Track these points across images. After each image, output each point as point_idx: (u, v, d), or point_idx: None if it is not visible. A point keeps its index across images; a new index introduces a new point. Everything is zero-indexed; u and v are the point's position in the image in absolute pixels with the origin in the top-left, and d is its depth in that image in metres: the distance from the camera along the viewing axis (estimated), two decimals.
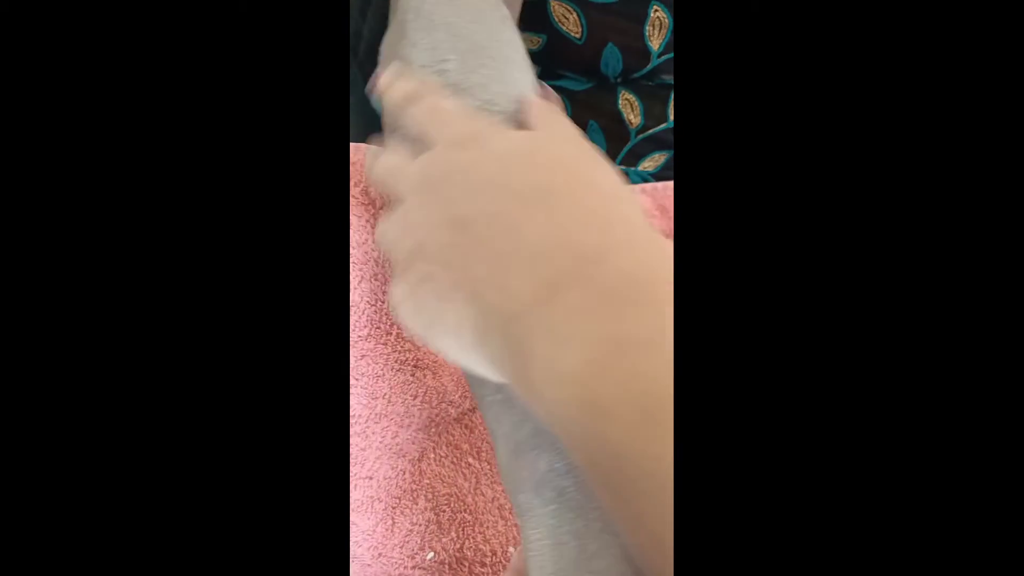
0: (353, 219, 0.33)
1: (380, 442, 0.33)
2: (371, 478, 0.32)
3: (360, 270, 0.34)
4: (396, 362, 0.34)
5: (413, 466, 0.35)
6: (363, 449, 0.32)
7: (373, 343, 0.33)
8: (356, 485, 0.32)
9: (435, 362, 0.36)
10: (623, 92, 0.48)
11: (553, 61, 0.47)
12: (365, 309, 0.34)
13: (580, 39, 0.46)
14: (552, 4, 0.45)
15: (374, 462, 0.33)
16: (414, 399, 0.35)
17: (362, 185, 0.34)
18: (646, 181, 0.48)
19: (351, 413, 0.32)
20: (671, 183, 0.48)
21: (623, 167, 0.48)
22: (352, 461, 0.32)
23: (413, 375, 0.35)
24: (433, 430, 0.36)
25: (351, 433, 0.32)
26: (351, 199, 0.33)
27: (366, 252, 0.34)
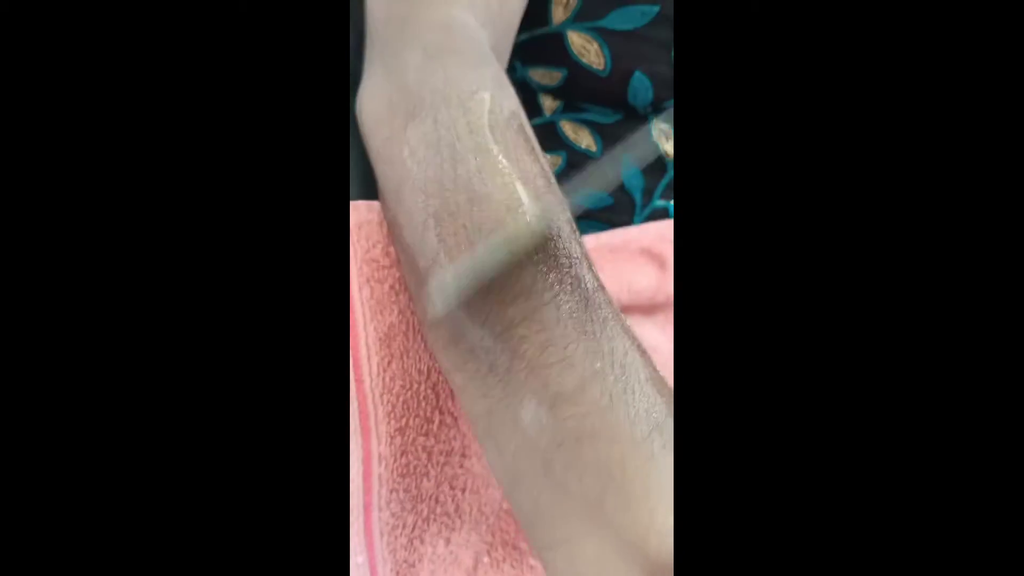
0: (365, 289, 0.29)
1: (432, 553, 0.27)
2: None
3: (387, 347, 0.29)
4: (441, 453, 0.29)
5: None
6: (412, 566, 0.27)
7: (413, 435, 0.28)
8: None
9: (478, 449, 0.31)
10: (656, 122, 0.43)
11: (575, 95, 0.43)
12: (400, 393, 0.29)
13: (604, 71, 0.42)
14: (570, 35, 0.41)
15: None
16: (463, 493, 0.30)
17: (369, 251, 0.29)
18: None
19: (395, 523, 0.27)
20: None
21: (663, 201, 0.44)
22: None
23: (462, 466, 0.29)
24: (484, 526, 0.31)
25: (396, 547, 0.27)
26: (355, 264, 0.28)
27: (378, 327, 0.29)
